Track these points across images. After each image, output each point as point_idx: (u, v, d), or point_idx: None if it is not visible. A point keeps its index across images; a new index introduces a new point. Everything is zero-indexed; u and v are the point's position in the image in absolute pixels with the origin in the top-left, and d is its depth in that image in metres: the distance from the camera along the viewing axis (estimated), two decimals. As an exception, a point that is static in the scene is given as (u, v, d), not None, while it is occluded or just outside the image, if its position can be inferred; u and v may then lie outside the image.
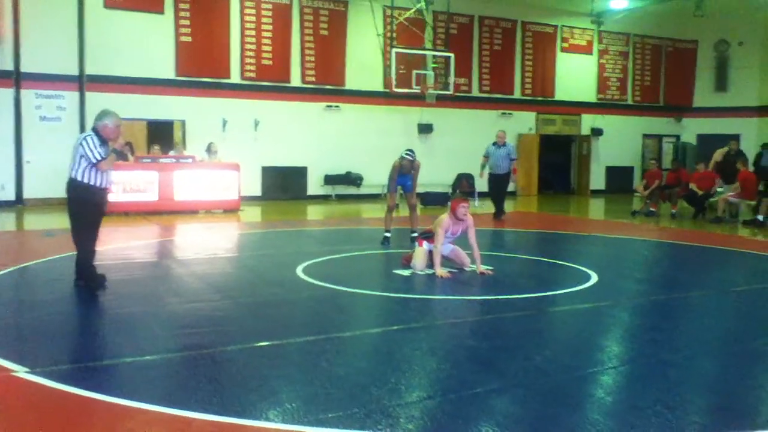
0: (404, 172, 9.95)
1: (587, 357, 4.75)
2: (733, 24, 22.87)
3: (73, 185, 6.49)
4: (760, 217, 13.11)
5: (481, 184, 15.28)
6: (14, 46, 15.64)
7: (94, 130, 6.55)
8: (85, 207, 6.50)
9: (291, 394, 3.89)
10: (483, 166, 14.32)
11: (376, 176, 17.36)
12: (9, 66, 15.65)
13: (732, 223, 13.68)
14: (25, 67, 15.78)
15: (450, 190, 18.74)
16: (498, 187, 14.09)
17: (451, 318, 5.83)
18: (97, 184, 6.49)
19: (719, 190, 14.51)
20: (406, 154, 9.94)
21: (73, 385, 3.94)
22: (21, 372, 4.16)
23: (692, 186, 14.73)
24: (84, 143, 6.40)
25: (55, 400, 3.82)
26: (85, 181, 6.43)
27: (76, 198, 6.48)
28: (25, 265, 8.00)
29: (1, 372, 4.17)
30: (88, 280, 6.57)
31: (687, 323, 5.78)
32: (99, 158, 6.37)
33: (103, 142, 6.49)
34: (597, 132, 22.89)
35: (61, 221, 12.92)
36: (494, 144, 14.19)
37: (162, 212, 14.09)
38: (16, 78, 15.69)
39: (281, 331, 5.23)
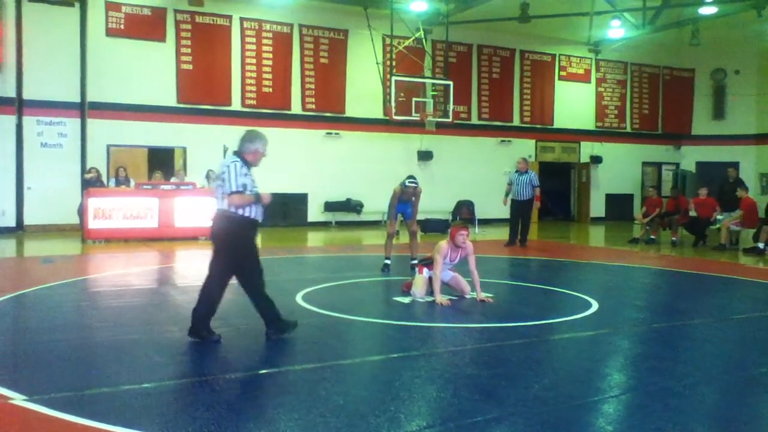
0: (405, 199, 9.95)
1: (587, 385, 4.72)
2: (729, 53, 23.12)
3: (222, 217, 5.65)
4: (761, 245, 13.11)
5: (498, 211, 15.41)
6: (17, 73, 15.80)
7: (240, 155, 5.74)
8: (236, 242, 5.65)
9: (289, 422, 3.86)
10: (507, 194, 14.32)
11: (377, 203, 17.39)
12: (11, 93, 15.79)
13: (733, 251, 13.67)
14: (27, 94, 15.92)
15: (450, 217, 18.77)
16: (521, 214, 14.08)
17: (450, 346, 5.80)
18: (252, 215, 5.68)
19: (719, 217, 14.52)
20: (410, 181, 9.92)
21: (70, 412, 3.91)
22: (18, 400, 4.13)
23: (692, 213, 14.74)
24: (228, 169, 5.60)
25: (52, 428, 3.78)
26: (239, 212, 5.61)
27: (226, 232, 5.65)
28: (23, 291, 7.97)
29: (-2, 400, 4.15)
30: (197, 325, 5.66)
31: (688, 351, 5.76)
32: (236, 189, 5.51)
33: (249, 168, 5.74)
34: (596, 159, 22.99)
35: (60, 248, 12.98)
36: (516, 171, 14.24)
37: (162, 239, 14.10)
38: (18, 105, 15.82)
39: (280, 359, 5.20)
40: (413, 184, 9.88)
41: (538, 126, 22.31)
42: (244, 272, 5.71)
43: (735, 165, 18.91)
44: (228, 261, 5.67)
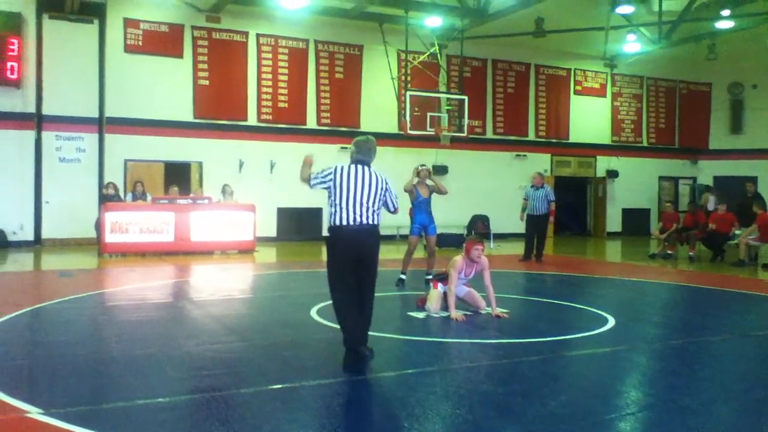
0: (425, 195, 9.83)
1: (604, 402, 4.67)
2: (746, 67, 22.97)
3: (377, 233, 5.52)
4: (780, 260, 12.97)
5: (514, 226, 15.51)
6: (36, 88, 16.00)
7: (370, 165, 5.69)
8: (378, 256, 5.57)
9: (304, 438, 3.85)
10: (523, 209, 14.34)
11: (391, 218, 17.32)
12: (31, 108, 15.99)
13: (751, 267, 13.52)
14: (46, 110, 16.12)
15: (465, 232, 18.72)
16: (537, 229, 14.06)
17: (466, 362, 5.77)
18: None
19: (737, 232, 14.38)
20: (421, 165, 10.00)
21: (86, 426, 3.92)
22: (35, 413, 4.15)
23: (711, 227, 14.60)
24: (389, 185, 5.60)
25: (67, 442, 3.80)
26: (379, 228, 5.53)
27: (378, 248, 5.55)
28: (41, 305, 8.03)
29: (14, 413, 4.17)
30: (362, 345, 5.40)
31: (706, 368, 5.69)
32: (398, 205, 5.67)
33: None
34: (612, 174, 22.88)
35: (77, 262, 13.07)
36: (532, 186, 14.24)
37: (178, 253, 14.17)
38: (37, 120, 16.01)
39: (295, 374, 5.19)
40: (425, 167, 9.96)
41: (554, 140, 22.25)
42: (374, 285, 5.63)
43: (753, 179, 18.74)
44: (374, 273, 5.58)
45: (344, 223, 5.36)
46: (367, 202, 5.40)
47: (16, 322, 7.05)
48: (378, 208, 5.47)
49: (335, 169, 5.52)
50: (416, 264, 10.90)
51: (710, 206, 17.92)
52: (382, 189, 5.51)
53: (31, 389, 4.76)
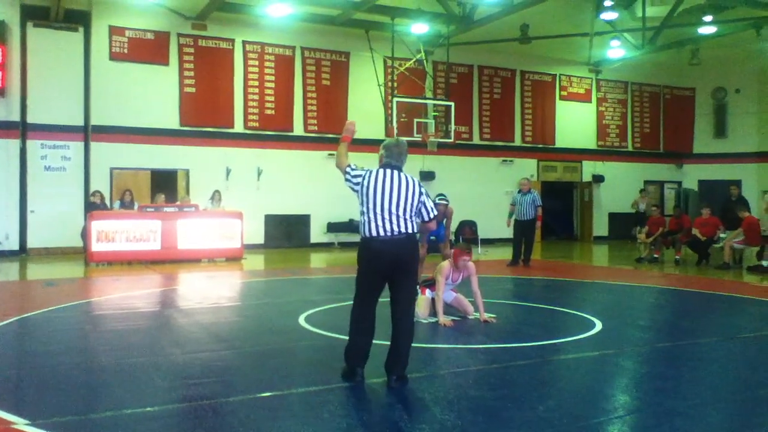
0: (437, 220, 9.78)
1: (593, 406, 4.69)
2: (729, 72, 23.24)
3: (413, 241, 5.13)
4: (765, 263, 13.08)
5: (501, 231, 15.55)
6: (21, 97, 15.92)
7: (402, 170, 5.23)
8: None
9: (293, 446, 3.84)
10: (510, 215, 14.40)
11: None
12: (16, 117, 15.90)
13: (736, 269, 13.63)
14: (31, 118, 16.04)
15: (452, 238, 18.74)
16: (525, 234, 14.11)
17: (454, 367, 5.78)
18: None
19: (722, 236, 14.50)
20: (439, 199, 9.80)
21: (73, 437, 3.90)
22: (21, 424, 4.11)
23: (695, 232, 14.72)
24: (425, 191, 5.18)
25: (54, 453, 3.77)
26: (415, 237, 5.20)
27: (415, 259, 5.17)
28: (26, 315, 7.97)
29: (0, 425, 4.13)
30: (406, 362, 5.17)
31: (693, 371, 5.72)
32: (435, 213, 5.28)
33: None
34: (598, 179, 23.02)
35: (64, 271, 12.98)
36: (519, 192, 14.31)
37: (165, 261, 14.11)
38: (22, 129, 15.92)
39: (283, 382, 5.18)
40: (444, 202, 9.75)
41: (540, 146, 22.37)
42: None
43: (737, 183, 18.93)
44: (413, 284, 5.28)
45: (374, 234, 5.00)
46: (398, 211, 5.00)
47: (1, 332, 6.99)
48: (412, 217, 5.06)
49: (366, 175, 5.15)
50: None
51: (641, 207, 19.55)
52: (417, 195, 5.08)
53: (17, 400, 4.72)
